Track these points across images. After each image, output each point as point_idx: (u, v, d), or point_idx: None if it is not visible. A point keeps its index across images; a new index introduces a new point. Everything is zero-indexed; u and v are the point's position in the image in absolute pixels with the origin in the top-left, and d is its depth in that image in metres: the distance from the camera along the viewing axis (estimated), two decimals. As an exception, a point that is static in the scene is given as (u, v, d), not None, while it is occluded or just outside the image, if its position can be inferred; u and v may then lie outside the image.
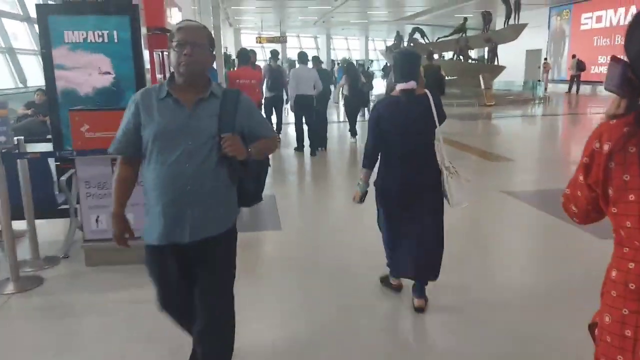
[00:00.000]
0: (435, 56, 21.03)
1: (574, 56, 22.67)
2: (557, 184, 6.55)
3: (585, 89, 22.75)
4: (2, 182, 3.56)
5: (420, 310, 3.31)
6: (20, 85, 13.88)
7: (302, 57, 9.08)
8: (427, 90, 3.18)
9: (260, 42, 30.96)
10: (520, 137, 12.22)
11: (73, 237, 4.39)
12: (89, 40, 5.32)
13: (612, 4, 21.61)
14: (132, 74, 5.29)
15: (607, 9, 21.96)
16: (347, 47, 42.55)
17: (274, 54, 9.81)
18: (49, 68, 5.09)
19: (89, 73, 5.24)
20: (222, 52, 23.06)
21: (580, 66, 21.90)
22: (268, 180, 2.51)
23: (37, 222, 4.38)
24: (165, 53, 7.73)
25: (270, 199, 6.01)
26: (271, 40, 31.63)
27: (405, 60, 3.23)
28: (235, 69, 9.84)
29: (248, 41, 38.40)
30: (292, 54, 27.04)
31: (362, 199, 3.35)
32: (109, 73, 4.95)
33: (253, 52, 8.73)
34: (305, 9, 26.68)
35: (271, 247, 4.77)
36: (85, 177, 3.87)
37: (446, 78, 21.11)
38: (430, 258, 3.26)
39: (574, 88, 22.07)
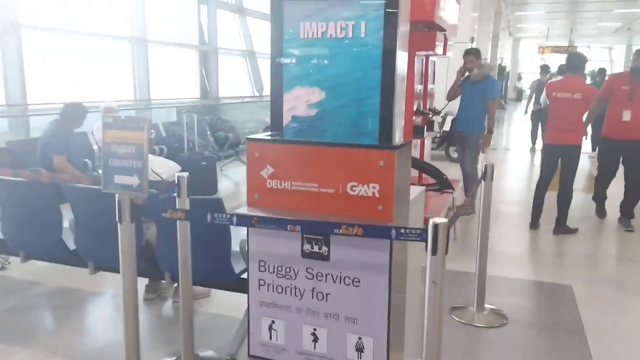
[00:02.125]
0: None
1: None
2: None
3: None
4: (129, 246, 2.20)
5: None
6: (257, 93, 13.08)
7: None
8: None
9: (542, 53, 27.10)
10: None
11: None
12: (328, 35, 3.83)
13: None
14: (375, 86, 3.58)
15: None
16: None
17: (544, 68, 11.32)
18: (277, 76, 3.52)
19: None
20: (497, 63, 20.61)
21: None
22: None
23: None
24: (431, 58, 6.00)
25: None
26: (557, 50, 27.38)
27: None
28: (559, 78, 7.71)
29: (527, 51, 34.66)
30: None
31: None
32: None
33: None
34: (608, 13, 21.95)
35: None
36: (259, 252, 2.28)
37: None
38: None
39: None
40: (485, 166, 3.36)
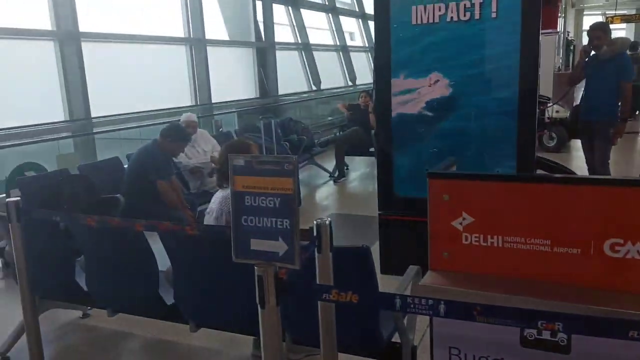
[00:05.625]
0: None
1: None
2: None
3: None
4: (275, 337, 1.57)
5: None
6: (350, 83, 13.47)
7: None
8: None
9: (612, 22, 24.95)
10: None
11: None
12: (447, 19, 3.25)
13: None
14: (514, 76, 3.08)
15: None
16: None
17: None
18: (382, 64, 3.44)
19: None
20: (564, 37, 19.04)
21: None
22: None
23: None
24: (570, 37, 5.16)
25: None
26: (626, 19, 25.11)
27: None
28: None
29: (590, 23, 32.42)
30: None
31: None
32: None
33: None
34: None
35: None
36: (450, 336, 1.61)
37: None
38: None
39: None
40: None
